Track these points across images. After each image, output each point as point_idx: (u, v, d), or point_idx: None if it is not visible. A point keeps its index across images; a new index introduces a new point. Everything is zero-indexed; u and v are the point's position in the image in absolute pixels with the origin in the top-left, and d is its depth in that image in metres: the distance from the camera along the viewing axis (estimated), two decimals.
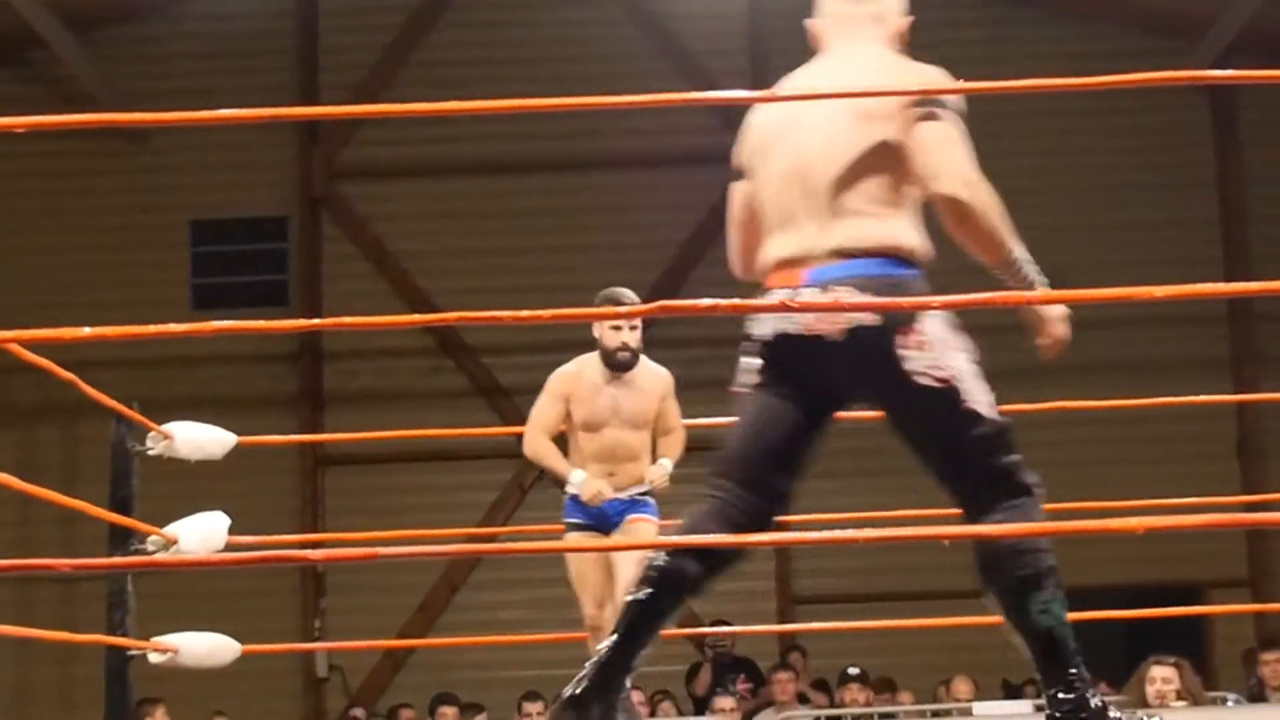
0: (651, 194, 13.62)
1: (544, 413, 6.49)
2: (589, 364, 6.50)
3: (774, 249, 3.76)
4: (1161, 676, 7.67)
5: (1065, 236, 13.24)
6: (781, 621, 12.74)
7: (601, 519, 6.42)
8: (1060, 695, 3.56)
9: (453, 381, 13.54)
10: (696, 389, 13.17)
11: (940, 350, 3.61)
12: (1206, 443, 12.83)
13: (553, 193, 13.74)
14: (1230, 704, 8.99)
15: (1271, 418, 12.82)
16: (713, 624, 11.52)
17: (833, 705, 10.54)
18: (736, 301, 3.48)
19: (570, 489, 6.41)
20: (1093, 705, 3.54)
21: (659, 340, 13.48)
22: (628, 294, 6.42)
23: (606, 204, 13.70)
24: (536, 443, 6.45)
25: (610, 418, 6.43)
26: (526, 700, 10.74)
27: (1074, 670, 3.56)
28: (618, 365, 6.42)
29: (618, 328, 6.40)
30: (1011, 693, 11.37)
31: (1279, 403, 12.06)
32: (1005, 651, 13.48)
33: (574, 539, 6.41)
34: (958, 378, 3.61)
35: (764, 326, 3.73)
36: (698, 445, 12.43)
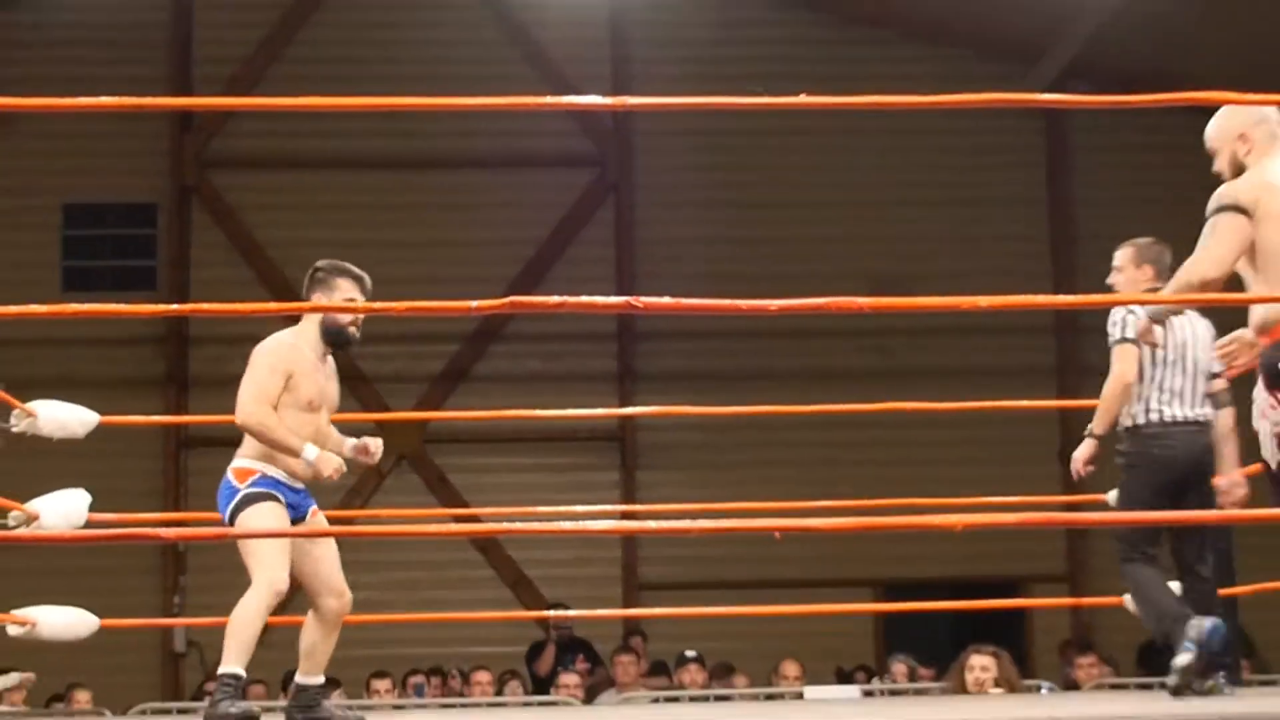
0: (513, 193, 13.61)
1: (269, 385, 5.49)
2: (303, 338, 5.59)
3: None
4: (980, 665, 7.79)
5: (904, 247, 13.42)
6: (626, 606, 12.80)
7: (293, 505, 5.64)
8: None
9: None
10: (553, 381, 13.31)
11: None
12: (1031, 446, 13.03)
13: (418, 189, 13.68)
14: (1044, 692, 9.15)
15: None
16: (551, 607, 11.71)
17: (670, 686, 10.59)
18: (584, 299, 3.50)
19: (299, 466, 5.51)
20: None
21: (516, 335, 13.61)
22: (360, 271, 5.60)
23: (470, 201, 13.66)
24: (263, 413, 5.47)
25: (322, 399, 5.66)
26: (375, 678, 10.76)
27: None
28: (345, 343, 5.60)
29: (353, 300, 5.53)
30: (843, 678, 11.52)
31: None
32: (836, 638, 13.56)
33: (270, 509, 5.54)
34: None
35: None
36: (558, 435, 12.63)
